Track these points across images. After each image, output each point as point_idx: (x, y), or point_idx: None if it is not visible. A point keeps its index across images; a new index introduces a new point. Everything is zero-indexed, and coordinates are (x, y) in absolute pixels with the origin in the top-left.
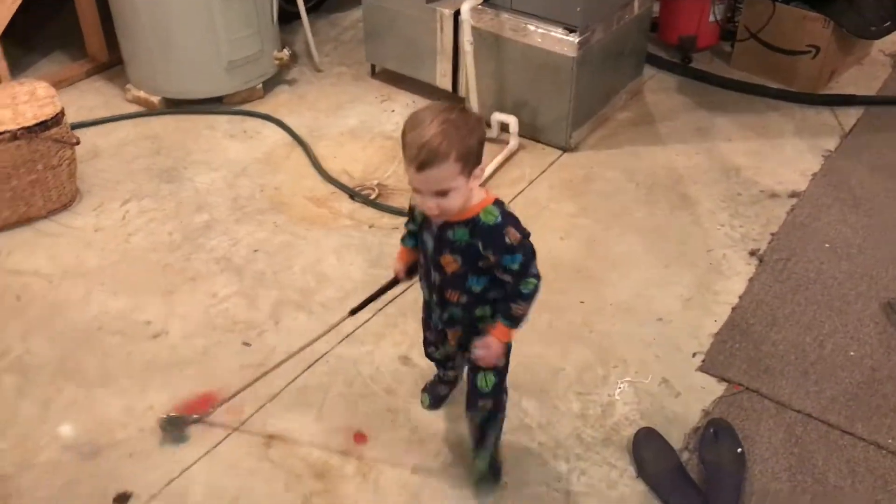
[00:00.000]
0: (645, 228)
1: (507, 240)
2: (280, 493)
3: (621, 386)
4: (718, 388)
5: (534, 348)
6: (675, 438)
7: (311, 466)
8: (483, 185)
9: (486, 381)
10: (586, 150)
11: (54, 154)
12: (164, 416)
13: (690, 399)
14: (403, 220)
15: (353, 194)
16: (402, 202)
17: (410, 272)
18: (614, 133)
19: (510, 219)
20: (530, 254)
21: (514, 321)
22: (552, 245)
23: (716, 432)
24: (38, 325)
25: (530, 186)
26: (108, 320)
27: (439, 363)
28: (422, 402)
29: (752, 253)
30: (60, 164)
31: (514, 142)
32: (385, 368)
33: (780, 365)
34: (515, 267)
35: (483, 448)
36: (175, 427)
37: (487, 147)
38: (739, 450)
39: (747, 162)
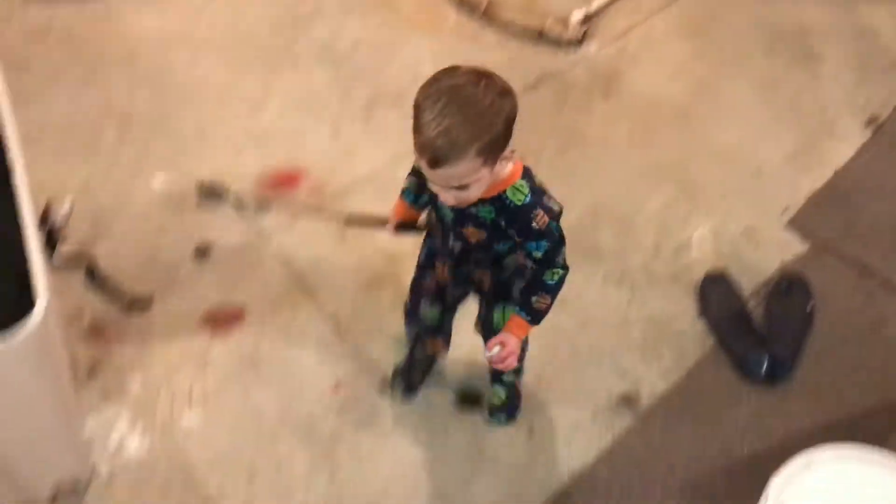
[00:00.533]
0: (760, 78)
1: (533, 224)
2: (351, 269)
3: (702, 230)
4: (802, 247)
5: (618, 178)
6: (746, 287)
7: (382, 251)
8: (581, 30)
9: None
10: None
11: None
12: (204, 183)
13: (770, 251)
14: (514, 40)
15: (460, 3)
16: (509, 18)
17: (402, 227)
18: None
19: (540, 197)
20: (558, 241)
21: (535, 316)
22: (658, 84)
23: (789, 285)
24: (143, 81)
25: (648, 20)
26: (209, 86)
27: (426, 329)
28: (391, 390)
29: (871, 121)
30: None
31: None
32: None
33: (875, 235)
34: (539, 255)
35: (500, 383)
36: (211, 196)
37: None
38: (810, 307)
39: (889, 27)
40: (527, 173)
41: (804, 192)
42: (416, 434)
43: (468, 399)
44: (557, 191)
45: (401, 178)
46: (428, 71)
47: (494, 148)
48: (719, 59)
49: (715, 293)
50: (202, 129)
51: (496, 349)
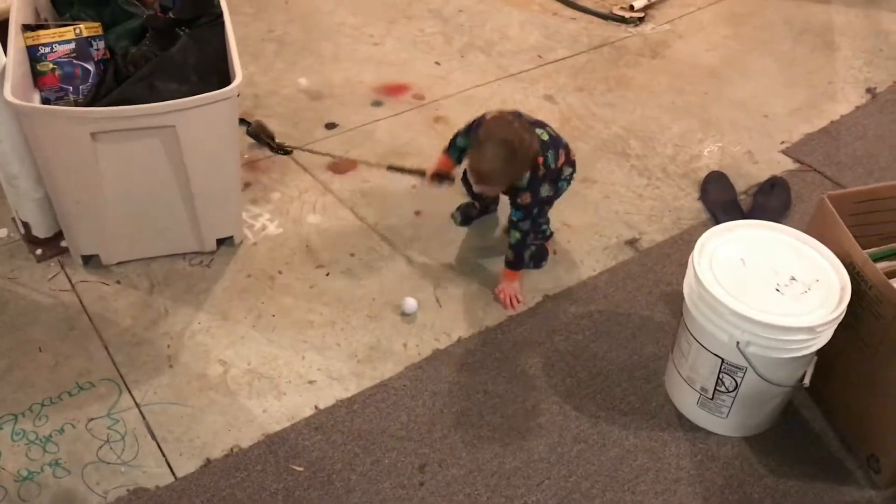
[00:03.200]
0: (782, 57)
1: (518, 200)
2: (436, 146)
3: (712, 147)
4: (791, 166)
5: (652, 112)
6: (741, 186)
7: None
8: (642, 12)
9: (515, 234)
10: None
11: None
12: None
13: (765, 167)
14: (585, 17)
15: None
16: (587, 3)
17: (438, 177)
18: None
19: (536, 186)
20: (529, 217)
21: (512, 264)
22: (697, 54)
23: (773, 184)
24: (295, 20)
25: (698, 11)
26: (344, 27)
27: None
28: (453, 219)
29: (869, 90)
30: None
31: None
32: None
33: (850, 162)
34: (514, 219)
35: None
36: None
37: None
38: (787, 203)
39: None
40: (534, 170)
41: (800, 132)
42: (469, 244)
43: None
44: (601, 115)
45: (478, 98)
46: (513, 33)
47: (519, 177)
48: (751, 41)
49: (713, 184)
50: (336, 53)
51: (500, 296)
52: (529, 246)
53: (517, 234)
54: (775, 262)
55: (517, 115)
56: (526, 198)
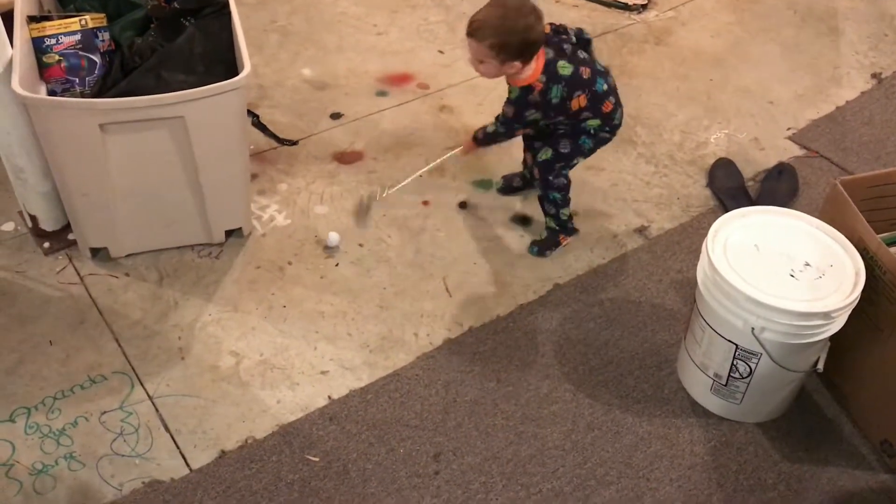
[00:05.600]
0: (786, 42)
1: (504, 107)
2: (442, 136)
3: (718, 134)
4: (798, 152)
5: (657, 99)
6: (748, 173)
7: (466, 127)
8: (645, 5)
9: (543, 153)
10: None
11: None
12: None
13: (771, 153)
14: (588, 4)
15: None
16: None
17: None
18: None
19: (518, 102)
20: (505, 121)
21: (475, 140)
22: (701, 40)
23: (780, 171)
24: (298, 10)
25: None
26: (347, 17)
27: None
28: (496, 184)
29: (874, 75)
30: None
31: None
32: None
33: (856, 148)
34: (496, 116)
35: (546, 215)
36: (365, 210)
37: None
38: (795, 188)
39: None
40: (527, 88)
41: (806, 118)
42: (478, 233)
43: (520, 219)
44: None
45: (483, 86)
46: None
47: (502, 50)
48: (755, 27)
49: (721, 171)
50: (340, 43)
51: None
52: (497, 140)
53: (493, 125)
54: (789, 247)
55: (562, 29)
56: (508, 109)
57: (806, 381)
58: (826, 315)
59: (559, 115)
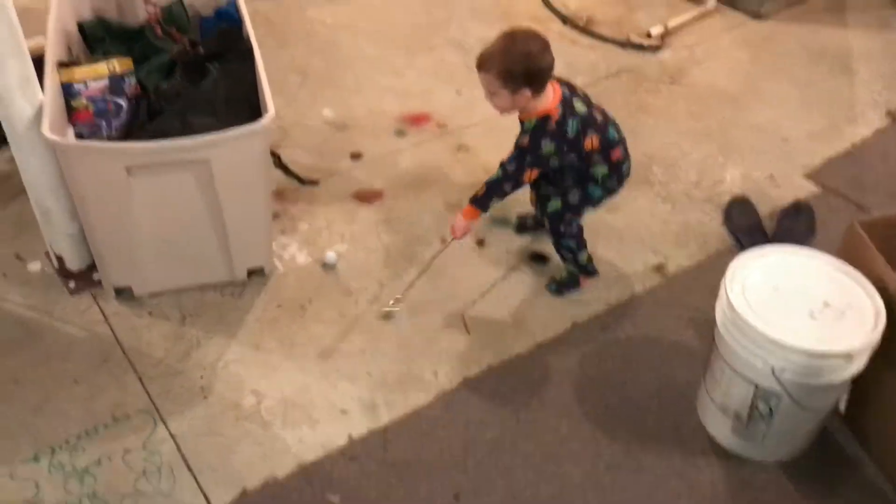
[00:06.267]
0: (800, 81)
1: (517, 139)
2: (460, 174)
3: (734, 172)
4: (814, 189)
5: (673, 138)
6: (764, 211)
7: (484, 166)
8: (659, 39)
9: (552, 205)
10: (774, 20)
11: None
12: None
13: (788, 191)
14: (603, 45)
15: (565, 20)
16: (602, 30)
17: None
18: (804, 12)
19: (535, 132)
20: (516, 156)
21: (473, 199)
22: (715, 76)
23: (797, 209)
24: (318, 52)
25: (715, 37)
26: (366, 59)
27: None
28: (512, 223)
29: (889, 113)
30: None
31: (711, 3)
32: None
33: (875, 186)
34: (503, 160)
35: (563, 261)
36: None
37: (684, 4)
38: (812, 227)
39: None
40: (543, 118)
41: (822, 156)
42: (496, 267)
43: (537, 257)
44: None
45: (500, 126)
46: None
47: (511, 79)
48: (769, 65)
49: (737, 209)
50: (359, 84)
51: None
52: (502, 189)
53: (497, 172)
54: (808, 287)
55: (570, 86)
56: (524, 140)
57: (827, 421)
58: (846, 356)
59: (572, 153)
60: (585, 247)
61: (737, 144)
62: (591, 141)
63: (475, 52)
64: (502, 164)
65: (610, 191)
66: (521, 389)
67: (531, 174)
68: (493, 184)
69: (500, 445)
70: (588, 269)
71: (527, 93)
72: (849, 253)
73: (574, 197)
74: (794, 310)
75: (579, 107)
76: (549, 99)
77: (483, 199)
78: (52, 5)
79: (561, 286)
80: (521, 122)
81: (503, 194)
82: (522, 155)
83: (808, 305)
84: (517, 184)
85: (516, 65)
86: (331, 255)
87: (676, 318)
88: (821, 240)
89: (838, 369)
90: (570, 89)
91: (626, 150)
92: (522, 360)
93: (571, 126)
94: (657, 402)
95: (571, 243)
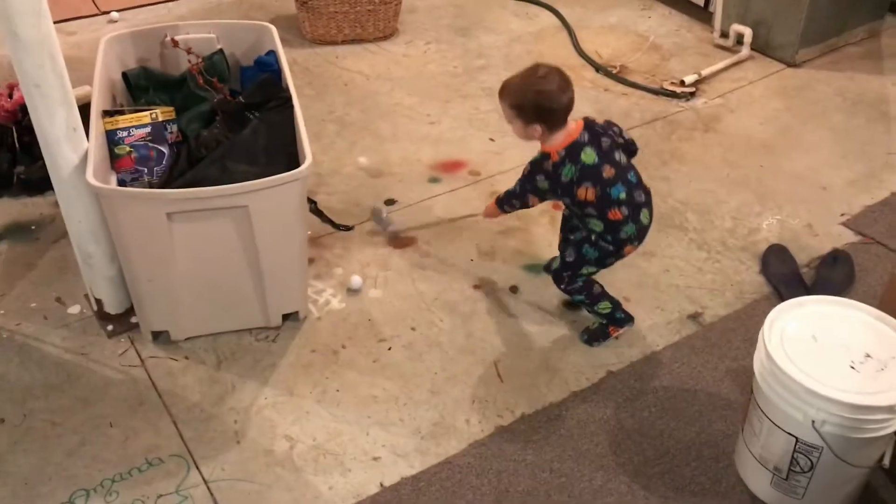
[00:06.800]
0: (837, 128)
1: (526, 166)
2: (494, 224)
3: (771, 220)
4: (853, 238)
5: (707, 185)
6: (802, 259)
7: (517, 213)
8: (693, 87)
9: (554, 262)
10: (808, 68)
11: None
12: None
13: (826, 240)
14: (637, 92)
15: (598, 67)
16: (636, 78)
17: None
18: (839, 60)
19: (533, 165)
20: (521, 181)
21: (498, 198)
22: (750, 126)
23: (835, 258)
24: (355, 101)
25: (749, 85)
26: (402, 107)
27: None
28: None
29: None
30: (390, 2)
31: (745, 51)
32: None
33: None
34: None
35: (588, 312)
36: (378, 216)
37: (718, 52)
38: (851, 276)
39: None
40: (544, 154)
41: (860, 204)
42: (529, 317)
43: (570, 305)
44: (657, 188)
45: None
46: None
47: (520, 111)
48: (805, 113)
49: (775, 257)
50: (394, 133)
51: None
52: (511, 202)
53: (513, 186)
54: (848, 338)
55: (617, 128)
56: (526, 167)
57: (871, 476)
58: (890, 409)
59: (565, 196)
60: (603, 299)
61: (773, 192)
62: (586, 192)
63: None
64: (518, 181)
65: (605, 252)
66: (554, 439)
67: (534, 200)
68: (507, 195)
69: (534, 496)
70: (617, 319)
71: (538, 128)
72: (891, 303)
73: (570, 255)
74: (834, 361)
75: (587, 157)
76: (560, 140)
77: (500, 202)
78: (99, 55)
79: (591, 337)
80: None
81: (512, 207)
82: (525, 181)
83: (848, 357)
84: (523, 204)
85: (529, 100)
86: (356, 280)
87: (713, 368)
88: (860, 289)
89: (881, 423)
90: (594, 136)
91: (633, 214)
92: (556, 409)
93: (566, 171)
94: (694, 454)
95: (580, 298)
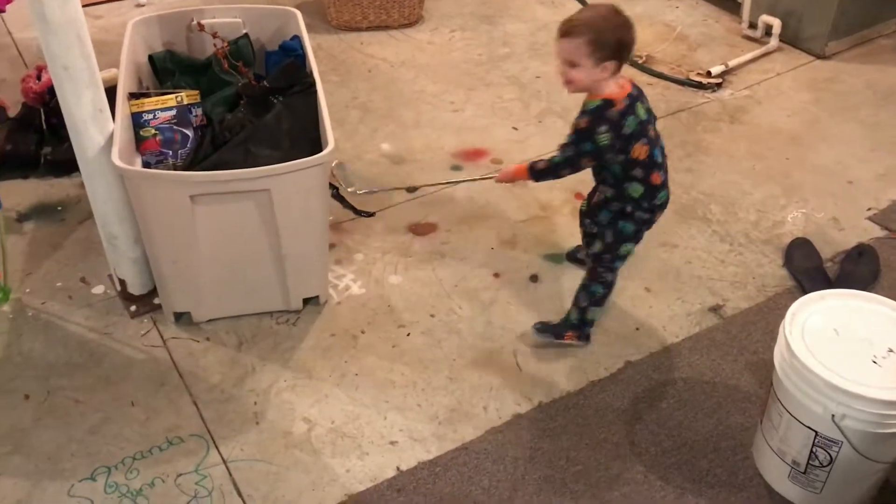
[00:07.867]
0: (866, 121)
1: (575, 120)
2: (514, 209)
3: (795, 213)
4: (879, 233)
5: (732, 177)
6: (826, 254)
7: (539, 201)
8: (720, 78)
9: (595, 246)
10: (838, 60)
11: None
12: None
13: (851, 234)
14: (662, 83)
15: None
16: (664, 70)
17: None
18: (870, 53)
19: (595, 114)
20: (574, 140)
21: (531, 170)
22: (777, 119)
23: (860, 252)
24: (378, 88)
25: (777, 77)
26: (425, 95)
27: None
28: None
29: None
30: None
31: (774, 42)
32: None
33: None
34: (564, 140)
35: (574, 304)
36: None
37: (746, 43)
38: (876, 271)
39: None
40: (607, 101)
41: (888, 198)
42: (548, 306)
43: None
44: (681, 179)
45: None
46: None
47: (600, 48)
48: (834, 106)
49: (798, 251)
50: (417, 120)
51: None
52: (558, 173)
53: (558, 156)
54: (870, 332)
55: (640, 90)
56: (582, 121)
57: (891, 472)
58: None
59: (621, 154)
60: (601, 305)
61: (799, 186)
62: (640, 149)
63: (532, 88)
64: (561, 147)
65: (641, 221)
66: (571, 428)
67: (587, 164)
68: (553, 166)
69: (549, 484)
70: (584, 331)
71: (611, 66)
72: None
73: (609, 236)
74: (856, 355)
75: (641, 112)
76: (619, 85)
77: (540, 172)
78: (126, 38)
79: (547, 327)
80: (585, 104)
81: (558, 177)
82: (580, 139)
83: (870, 351)
84: (575, 169)
85: (607, 34)
86: None
87: (733, 360)
88: (885, 284)
89: None
90: (640, 92)
91: (666, 179)
92: (574, 398)
93: (629, 122)
94: (712, 446)
95: (599, 290)
